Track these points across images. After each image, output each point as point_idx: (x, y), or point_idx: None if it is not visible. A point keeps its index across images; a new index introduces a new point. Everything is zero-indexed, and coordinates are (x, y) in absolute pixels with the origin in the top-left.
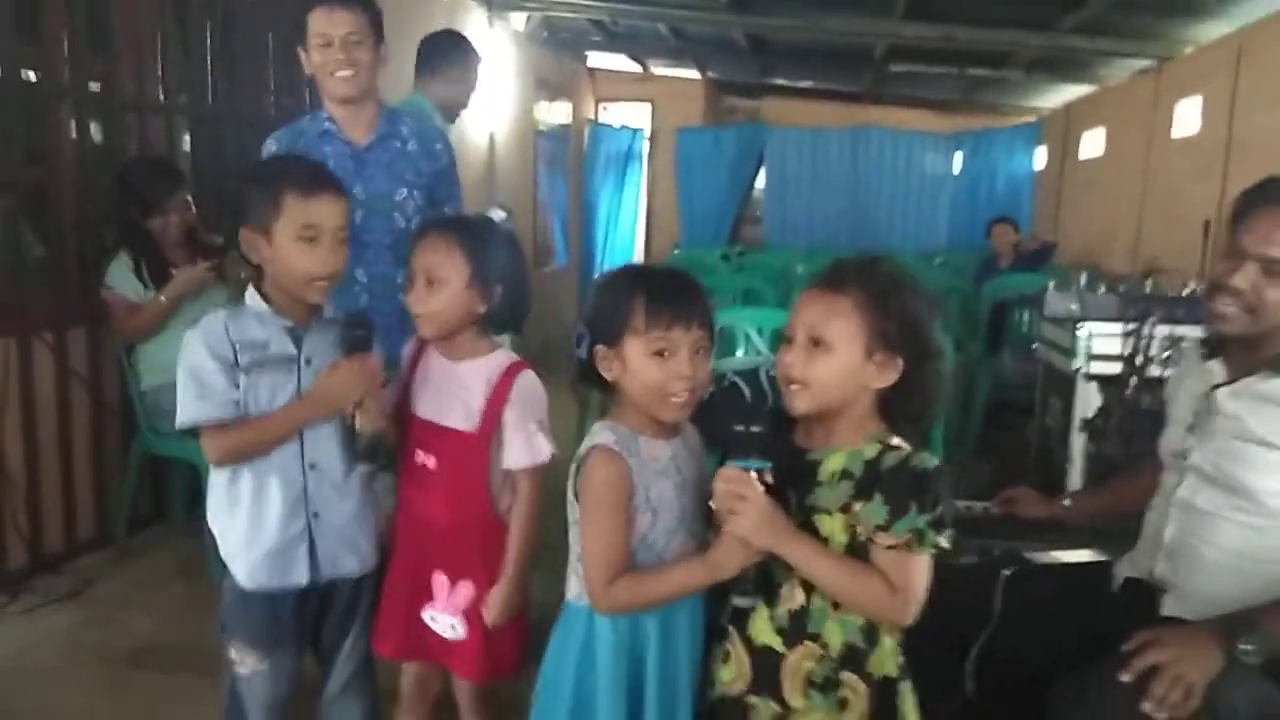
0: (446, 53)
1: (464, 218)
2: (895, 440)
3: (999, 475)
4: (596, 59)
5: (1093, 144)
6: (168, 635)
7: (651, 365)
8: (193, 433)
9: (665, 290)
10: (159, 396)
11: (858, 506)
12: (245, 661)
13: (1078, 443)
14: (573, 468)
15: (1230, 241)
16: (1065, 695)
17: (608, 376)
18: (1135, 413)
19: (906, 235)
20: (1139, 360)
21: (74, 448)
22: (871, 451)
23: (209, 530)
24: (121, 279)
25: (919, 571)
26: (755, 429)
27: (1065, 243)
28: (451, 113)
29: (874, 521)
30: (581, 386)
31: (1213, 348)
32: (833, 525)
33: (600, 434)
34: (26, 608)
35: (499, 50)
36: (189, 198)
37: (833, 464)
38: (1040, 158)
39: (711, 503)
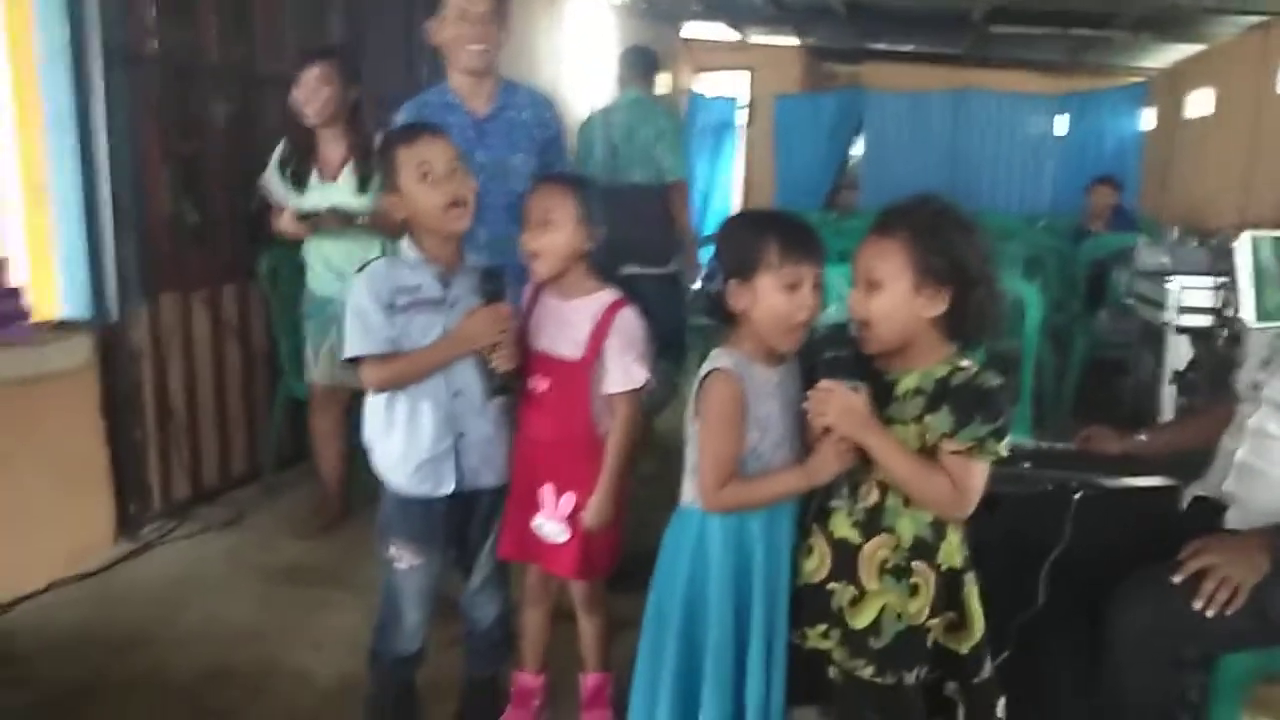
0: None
1: (573, 174)
2: (965, 362)
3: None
4: (693, 29)
5: (1200, 103)
6: (314, 557)
7: (780, 297)
8: (354, 363)
9: (795, 232)
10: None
11: (928, 418)
12: (403, 557)
13: (1168, 395)
14: (694, 388)
15: None
16: (1123, 597)
17: (737, 308)
18: (1225, 365)
19: (1010, 198)
20: (1229, 313)
21: (227, 392)
22: (942, 371)
23: (357, 459)
24: (272, 176)
25: (978, 474)
26: (843, 354)
27: (1173, 204)
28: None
29: (941, 429)
30: (710, 316)
31: None
32: (906, 434)
33: (719, 359)
34: (190, 533)
35: (596, 24)
36: (332, 69)
37: (908, 383)
38: (1148, 118)
39: (804, 405)
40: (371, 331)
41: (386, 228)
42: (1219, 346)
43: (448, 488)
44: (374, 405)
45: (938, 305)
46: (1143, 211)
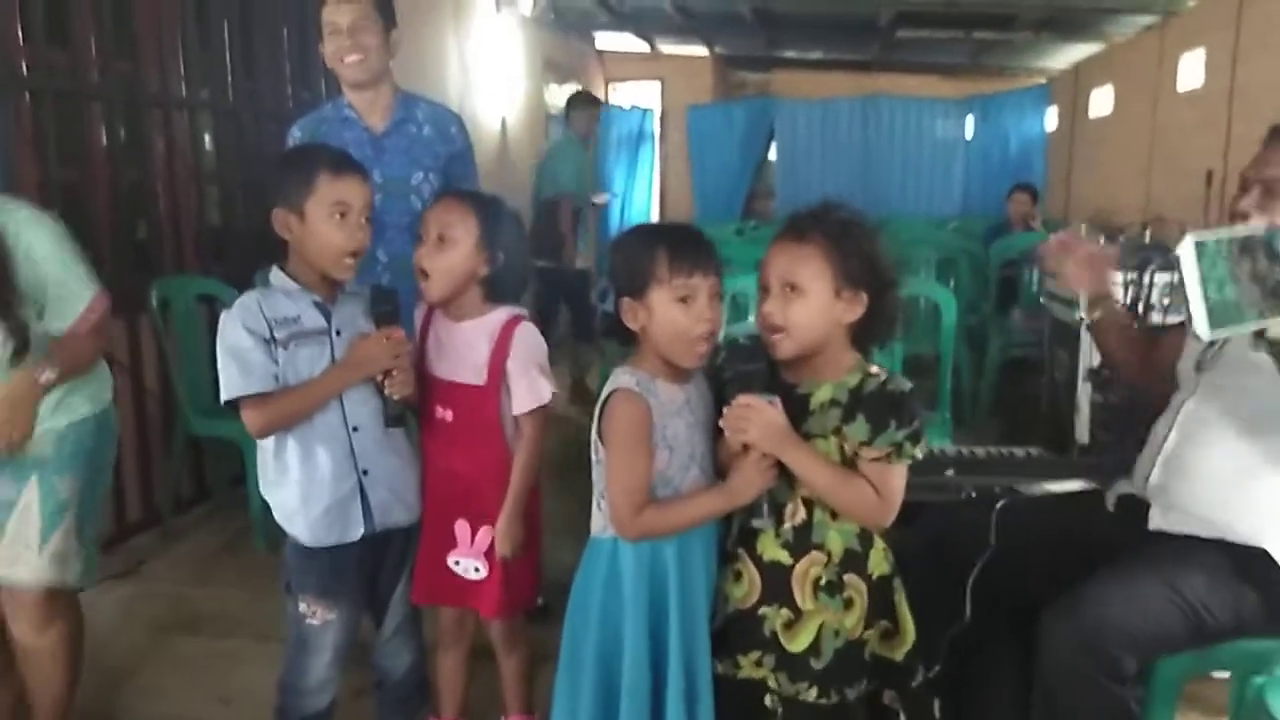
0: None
1: (478, 192)
2: (874, 368)
3: (1013, 428)
4: (604, 40)
5: (1102, 102)
6: (218, 605)
7: (675, 311)
8: (233, 408)
9: (684, 243)
10: None
11: (846, 428)
12: (315, 613)
13: (1084, 392)
14: (596, 411)
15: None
16: (1050, 618)
17: (633, 326)
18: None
19: (920, 202)
20: (1140, 308)
21: (120, 432)
22: (854, 380)
23: (258, 505)
24: None
25: (898, 478)
26: (754, 368)
27: (1077, 202)
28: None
29: (859, 438)
30: (605, 339)
31: None
32: (827, 447)
33: (620, 378)
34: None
35: (507, 35)
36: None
37: (821, 395)
38: (1051, 119)
39: (721, 422)
40: (251, 369)
41: None
42: None
43: (356, 532)
44: (264, 453)
45: (856, 309)
46: (1049, 211)
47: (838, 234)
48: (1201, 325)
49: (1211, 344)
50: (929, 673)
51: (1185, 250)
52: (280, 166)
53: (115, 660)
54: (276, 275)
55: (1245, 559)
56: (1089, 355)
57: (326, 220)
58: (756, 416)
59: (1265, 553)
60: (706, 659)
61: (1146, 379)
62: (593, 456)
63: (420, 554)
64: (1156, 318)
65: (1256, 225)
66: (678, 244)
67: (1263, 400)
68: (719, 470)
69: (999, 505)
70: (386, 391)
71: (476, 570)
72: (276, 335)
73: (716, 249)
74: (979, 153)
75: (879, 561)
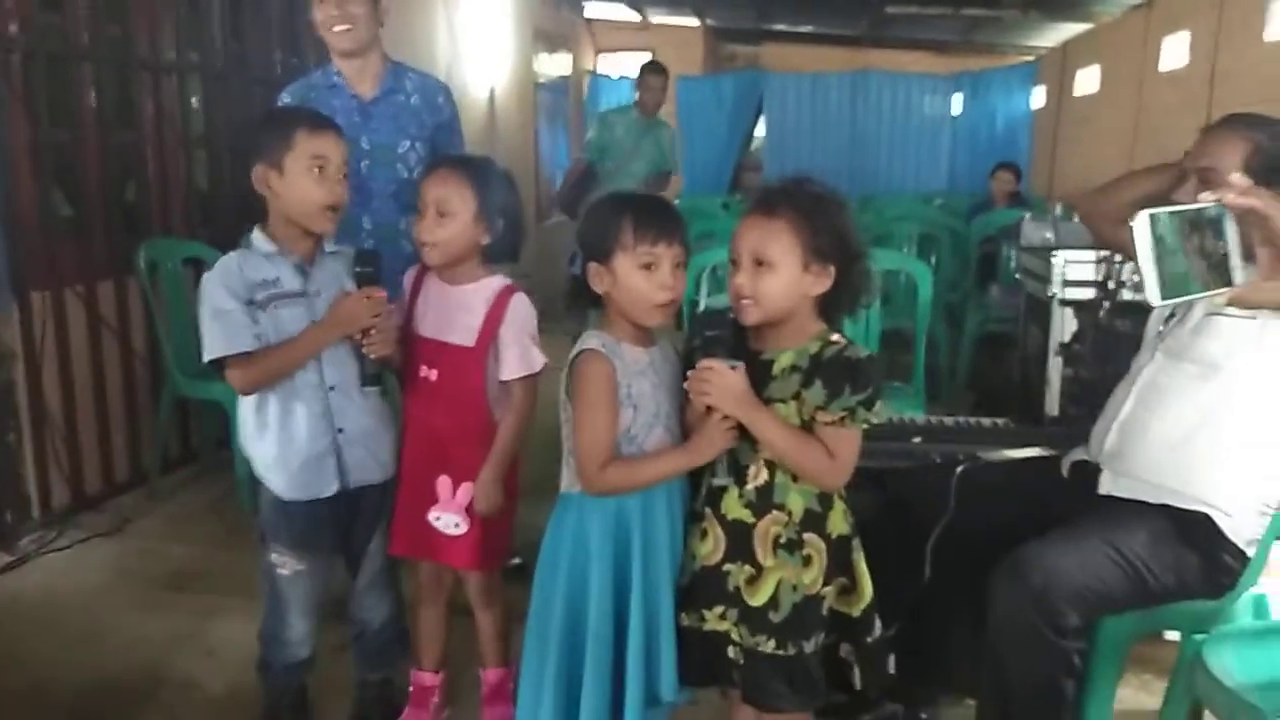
0: None
1: (470, 157)
2: (835, 336)
3: (987, 401)
4: (594, 9)
5: (1087, 81)
6: (203, 563)
7: (639, 277)
8: (218, 368)
9: (649, 213)
10: None
11: (804, 392)
12: (286, 564)
13: (1055, 366)
14: (564, 372)
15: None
16: (1001, 572)
17: (599, 290)
18: (1109, 336)
19: (907, 177)
20: (1111, 285)
21: (107, 393)
22: (815, 347)
23: (241, 463)
24: None
25: (851, 442)
26: (720, 333)
27: (1061, 180)
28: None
29: (815, 403)
30: (571, 301)
31: None
32: (787, 411)
33: (588, 340)
34: (71, 542)
35: (497, 3)
36: None
37: (784, 361)
38: (1038, 97)
39: (686, 385)
40: (234, 330)
41: None
42: (1101, 319)
43: (330, 488)
44: (245, 409)
45: (824, 282)
46: (1033, 189)
47: (807, 209)
48: (1153, 293)
49: (1172, 315)
50: (889, 630)
51: (1140, 222)
52: (259, 126)
53: (102, 615)
54: (257, 236)
55: (1188, 524)
56: (1060, 331)
57: (305, 174)
58: (718, 380)
59: (1208, 518)
60: (669, 611)
61: (1111, 235)
62: (561, 415)
63: (399, 507)
64: (1127, 294)
65: (1207, 202)
66: (644, 214)
67: (1213, 371)
68: (685, 432)
69: (959, 470)
70: (365, 350)
71: (456, 525)
72: (256, 297)
73: (682, 221)
74: (966, 129)
75: (838, 522)
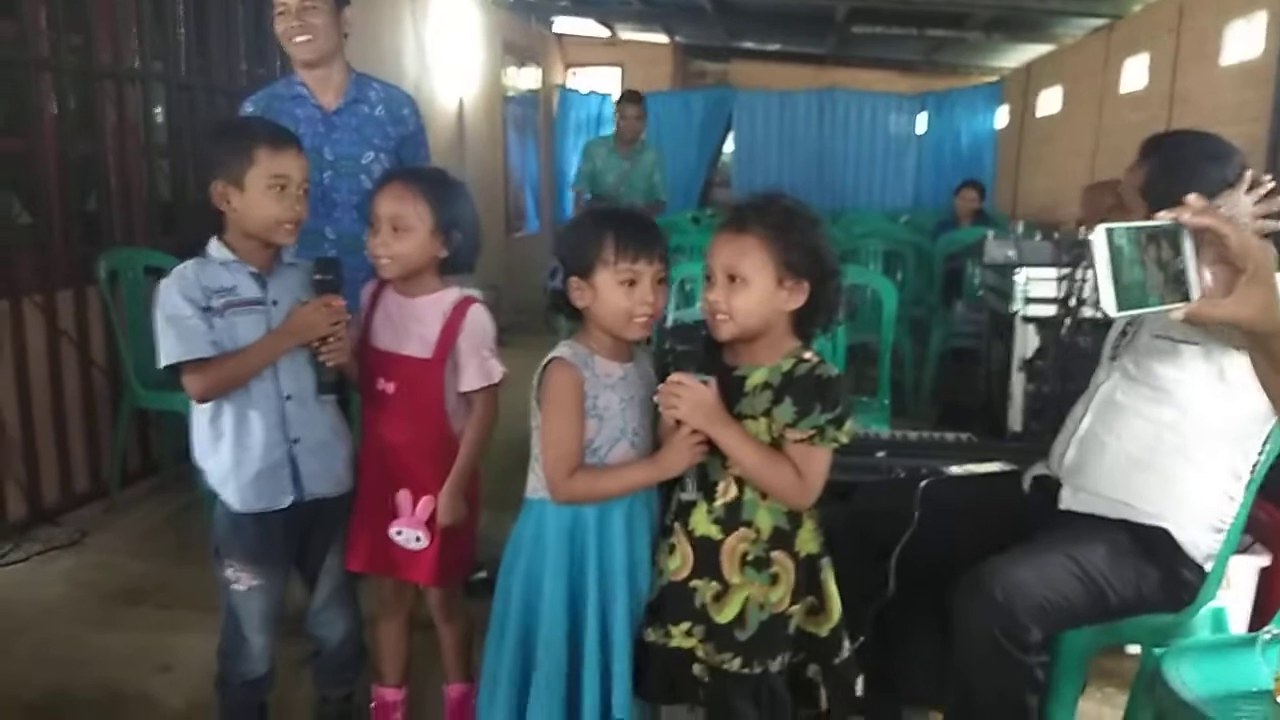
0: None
1: (424, 169)
2: (808, 354)
3: (951, 415)
4: (564, 24)
5: (1050, 101)
6: (162, 577)
7: (619, 293)
8: (175, 376)
9: (631, 229)
10: None
11: (774, 409)
12: (241, 579)
13: (1017, 382)
14: (535, 380)
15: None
16: (963, 588)
17: (579, 304)
18: (1071, 352)
19: (873, 195)
20: (1073, 302)
21: (66, 405)
22: (787, 365)
23: (200, 479)
24: None
25: (820, 461)
26: (692, 348)
27: (1024, 198)
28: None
29: (784, 420)
30: (552, 314)
31: None
32: (757, 428)
33: (559, 349)
34: (27, 555)
35: (466, 16)
36: None
37: (756, 378)
38: (1002, 116)
39: (655, 398)
40: (189, 335)
41: None
42: (1063, 336)
43: (285, 499)
44: (199, 420)
45: (798, 298)
46: (998, 206)
47: (780, 225)
48: (1109, 304)
49: (1124, 332)
50: (854, 643)
51: (1097, 235)
52: (217, 139)
53: (58, 630)
54: (215, 246)
55: (1147, 538)
56: (1023, 347)
57: (265, 193)
58: (687, 394)
59: (1167, 533)
60: (624, 627)
61: None
62: (531, 422)
63: (358, 522)
64: (1088, 311)
65: (1164, 219)
66: (625, 230)
67: (1167, 387)
68: (656, 448)
69: (923, 484)
70: (321, 358)
71: (418, 540)
72: (213, 304)
73: (663, 237)
74: (931, 148)
75: (807, 540)
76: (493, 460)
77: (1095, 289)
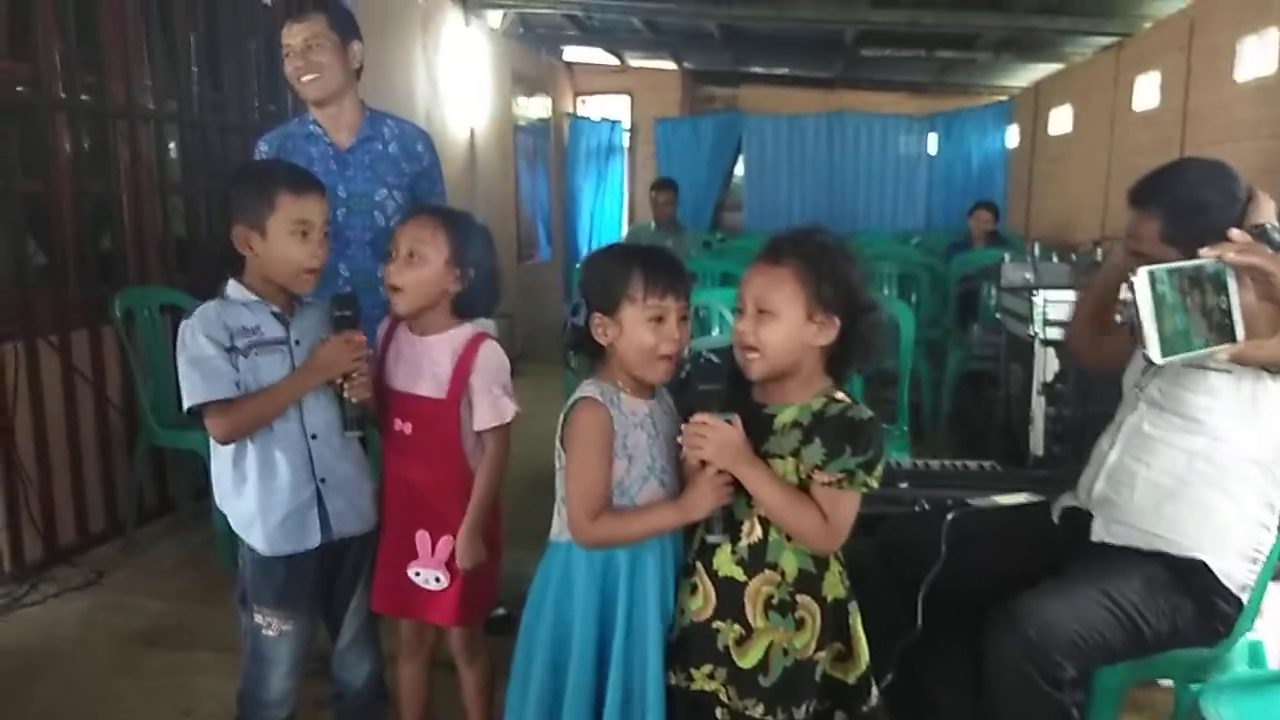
0: None
1: (449, 209)
2: (840, 395)
3: (970, 440)
4: (573, 53)
5: (1061, 120)
6: (179, 617)
7: (646, 329)
8: (196, 417)
9: (658, 265)
10: None
11: (803, 450)
12: (271, 624)
13: (1038, 406)
14: (561, 419)
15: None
16: (994, 624)
17: (602, 341)
18: (1091, 376)
19: (884, 217)
20: None
21: (82, 444)
22: (818, 404)
23: (217, 518)
24: None
25: (848, 506)
26: (718, 387)
27: (1037, 218)
28: None
29: (813, 461)
30: (573, 352)
31: None
32: (785, 468)
33: (585, 388)
34: (44, 597)
35: (476, 48)
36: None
37: (785, 416)
38: (1012, 136)
39: (679, 439)
40: (214, 376)
41: None
42: None
43: (313, 540)
44: (220, 463)
45: (828, 334)
46: (1010, 227)
47: (813, 258)
48: (1154, 350)
49: (1148, 367)
50: (882, 682)
51: (1140, 280)
52: (239, 182)
53: (75, 672)
54: (234, 287)
55: (1183, 570)
56: (1044, 370)
57: (288, 238)
58: (712, 434)
59: (1203, 564)
60: (656, 671)
61: (1091, 356)
62: (556, 463)
63: (380, 563)
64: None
65: (1207, 258)
66: (652, 266)
67: (1198, 417)
68: (683, 484)
69: (949, 517)
70: (345, 394)
71: (437, 580)
72: (237, 344)
73: (689, 275)
74: (942, 169)
75: (834, 584)
76: (509, 494)
77: (1138, 332)
